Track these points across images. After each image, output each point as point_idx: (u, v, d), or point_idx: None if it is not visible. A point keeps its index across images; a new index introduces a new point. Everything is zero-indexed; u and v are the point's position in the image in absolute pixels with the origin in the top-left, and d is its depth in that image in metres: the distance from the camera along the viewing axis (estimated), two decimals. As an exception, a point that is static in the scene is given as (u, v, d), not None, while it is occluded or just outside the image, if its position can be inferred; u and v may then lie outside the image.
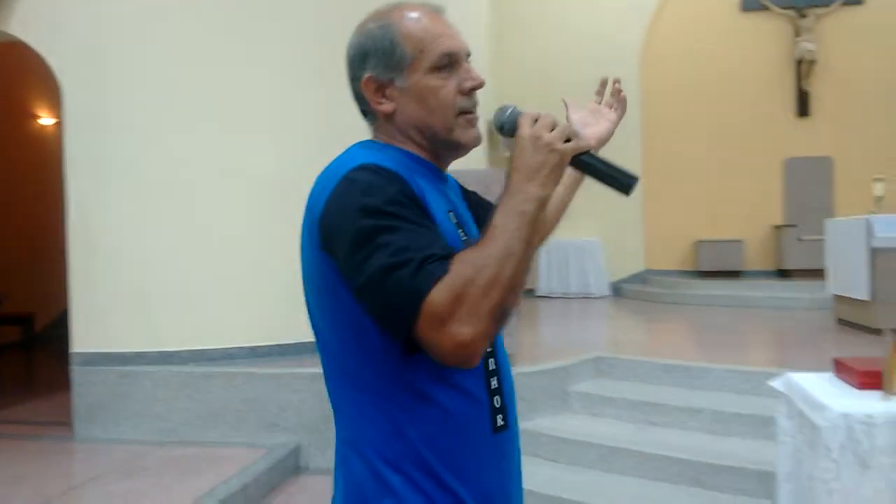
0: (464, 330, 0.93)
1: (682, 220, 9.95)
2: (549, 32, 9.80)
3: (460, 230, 1.19)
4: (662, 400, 4.23)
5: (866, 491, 2.16)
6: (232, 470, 3.94)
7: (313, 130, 5.24)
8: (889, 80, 9.58)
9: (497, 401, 1.17)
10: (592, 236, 9.62)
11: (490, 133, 9.06)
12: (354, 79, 1.20)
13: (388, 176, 1.05)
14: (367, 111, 1.22)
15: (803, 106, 9.89)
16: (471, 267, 0.95)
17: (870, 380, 2.41)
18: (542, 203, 1.02)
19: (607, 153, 1.28)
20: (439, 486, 1.09)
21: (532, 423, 4.25)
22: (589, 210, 9.57)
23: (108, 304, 4.80)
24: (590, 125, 1.57)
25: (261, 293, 5.00)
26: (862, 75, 9.66)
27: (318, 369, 4.11)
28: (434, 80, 1.15)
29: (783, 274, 9.61)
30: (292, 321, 5.06)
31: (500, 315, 0.96)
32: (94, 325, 4.80)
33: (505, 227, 0.98)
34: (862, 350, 4.06)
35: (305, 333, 4.61)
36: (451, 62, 1.16)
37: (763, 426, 3.69)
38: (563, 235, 9.57)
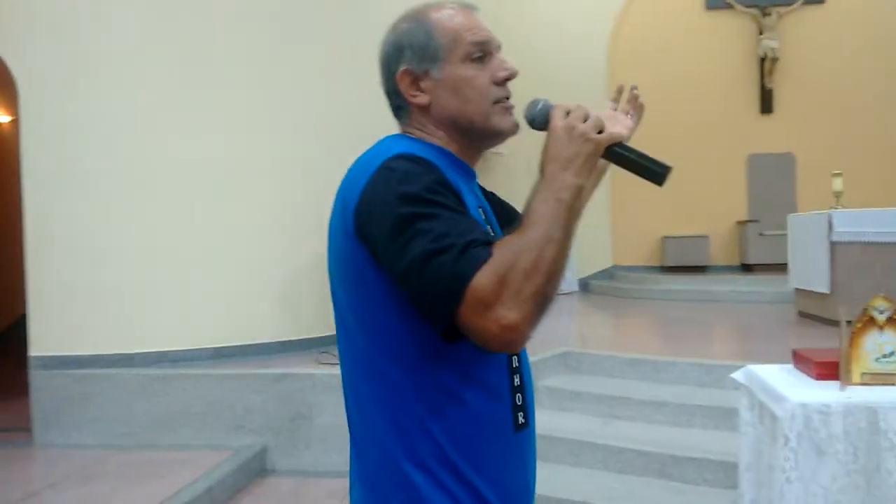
0: (509, 314, 0.93)
1: (648, 216, 10.06)
2: (518, 26, 9.82)
3: (488, 227, 1.20)
4: (628, 394, 4.26)
5: (823, 478, 2.20)
6: (196, 473, 3.88)
7: (273, 128, 5.20)
8: (849, 77, 9.79)
9: (519, 398, 1.17)
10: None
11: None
12: (389, 74, 1.22)
13: (426, 165, 1.06)
14: (400, 106, 1.23)
15: (766, 103, 10.06)
16: (513, 252, 0.95)
17: (827, 371, 2.45)
18: (578, 191, 1.04)
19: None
20: (462, 483, 1.09)
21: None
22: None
23: (66, 306, 4.69)
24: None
25: (223, 294, 4.94)
26: (824, 73, 9.86)
27: (283, 370, 4.05)
28: (468, 70, 1.17)
29: (747, 269, 9.77)
30: (256, 321, 5.05)
31: (543, 300, 0.96)
32: (52, 328, 4.69)
33: (544, 214, 0.99)
34: (821, 342, 4.14)
35: (269, 334, 4.63)
36: (484, 53, 1.18)
37: (726, 418, 3.75)
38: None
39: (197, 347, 4.84)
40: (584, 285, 9.86)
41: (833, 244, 5.51)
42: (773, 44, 9.77)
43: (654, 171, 1.13)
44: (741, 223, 10.01)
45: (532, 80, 10.65)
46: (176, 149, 4.85)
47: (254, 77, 5.11)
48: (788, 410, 2.25)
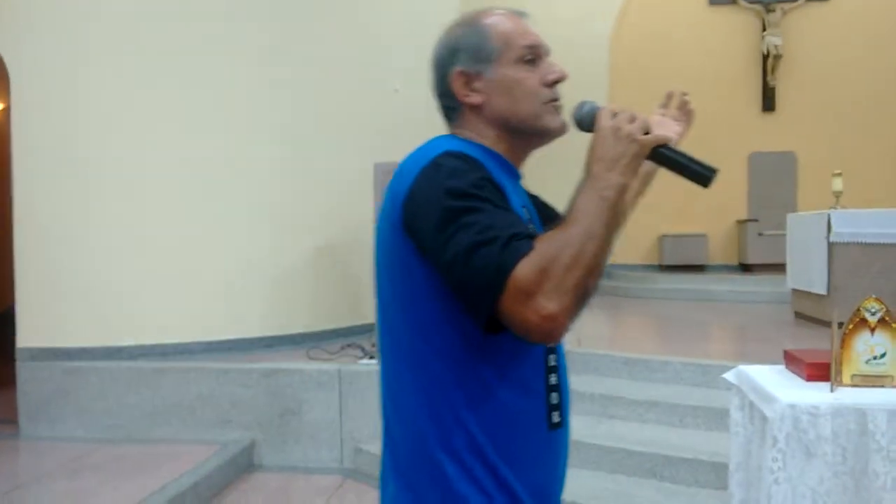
0: (549, 304, 0.95)
1: (646, 214, 10.00)
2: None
3: (530, 225, 1.23)
4: (621, 393, 4.22)
5: (811, 479, 2.17)
6: (183, 467, 3.85)
7: (266, 125, 5.17)
8: (853, 76, 9.73)
9: (554, 397, 1.20)
10: (559, 230, 9.65)
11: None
12: (441, 76, 1.26)
13: (473, 162, 1.11)
14: (451, 107, 1.27)
15: (769, 101, 10.00)
16: (555, 246, 0.98)
17: (818, 372, 2.41)
18: (622, 190, 1.07)
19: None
20: (494, 477, 1.12)
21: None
22: (556, 202, 9.61)
23: (55, 297, 4.67)
24: None
25: (214, 288, 4.92)
26: (827, 71, 9.79)
27: (272, 364, 4.02)
28: (520, 72, 1.22)
29: (745, 268, 9.72)
30: (247, 316, 5.01)
31: (583, 293, 0.99)
32: (40, 319, 4.66)
33: (587, 211, 1.03)
34: (817, 343, 4.10)
35: (260, 328, 4.58)
36: (534, 56, 1.24)
37: (719, 418, 3.70)
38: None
39: (187, 341, 4.81)
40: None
41: (831, 245, 5.46)
42: (777, 41, 9.71)
43: (699, 173, 1.16)
44: (741, 222, 9.95)
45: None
46: (168, 143, 4.82)
47: (249, 75, 5.10)
48: (777, 411, 2.22)
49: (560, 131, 1.25)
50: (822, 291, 5.52)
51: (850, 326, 2.37)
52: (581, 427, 4.01)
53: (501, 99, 1.22)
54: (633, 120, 1.11)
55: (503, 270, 0.96)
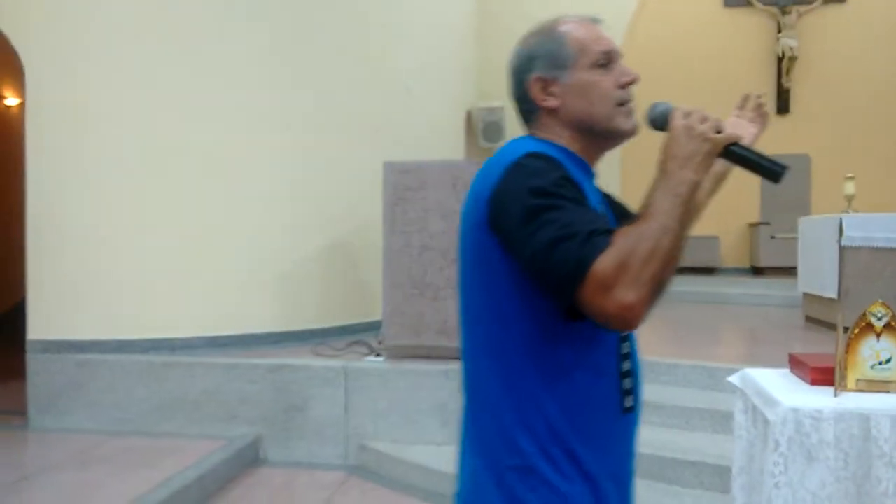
0: (628, 295, 1.01)
1: (658, 215, 9.97)
2: (533, 22, 9.76)
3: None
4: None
5: (812, 484, 2.16)
6: (189, 461, 3.88)
7: (279, 122, 5.20)
8: (868, 78, 9.64)
9: (627, 383, 1.27)
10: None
11: (471, 127, 9.04)
12: (519, 82, 1.34)
13: (553, 162, 1.17)
14: (529, 111, 1.34)
15: (783, 103, 9.93)
16: (632, 240, 1.04)
17: (822, 376, 2.40)
18: (695, 187, 1.12)
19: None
20: (567, 454, 1.19)
21: (496, 416, 4.23)
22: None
23: (65, 291, 4.71)
24: None
25: (223, 284, 4.95)
26: (842, 74, 9.72)
27: (277, 360, 4.04)
28: (595, 76, 1.28)
29: (757, 271, 9.66)
30: (254, 312, 5.04)
31: (659, 285, 1.05)
32: (51, 313, 4.71)
33: (661, 207, 1.08)
34: (826, 347, 4.06)
35: (267, 324, 4.60)
36: (609, 60, 1.30)
37: (725, 421, 3.69)
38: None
39: (195, 336, 4.85)
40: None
41: (842, 249, 5.40)
42: (792, 43, 9.65)
43: (771, 170, 1.21)
44: (753, 225, 9.89)
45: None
46: (179, 138, 4.86)
47: (260, 73, 5.13)
48: (780, 415, 2.21)
49: (632, 132, 1.31)
50: (833, 295, 5.47)
51: (856, 331, 2.35)
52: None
53: (577, 102, 1.28)
54: (705, 120, 1.16)
55: (584, 264, 1.02)
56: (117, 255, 4.73)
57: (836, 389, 2.31)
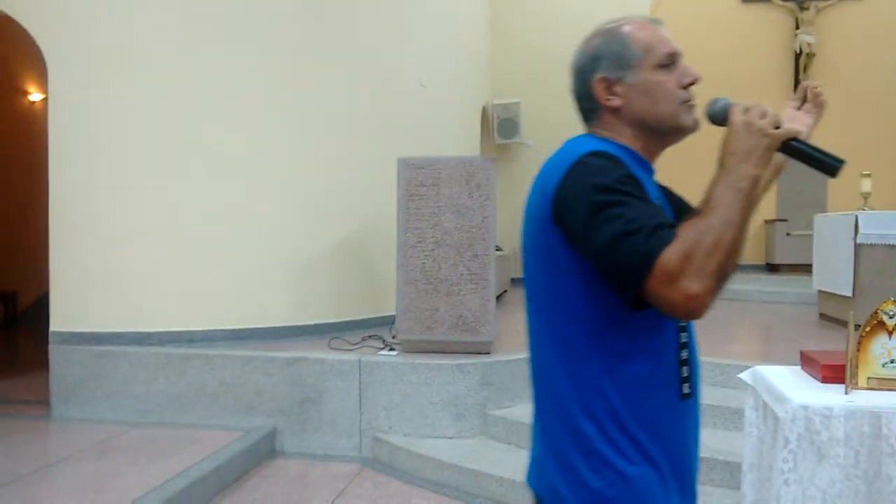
0: (693, 286, 1.06)
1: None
2: (549, 17, 9.73)
3: None
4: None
5: (821, 481, 2.17)
6: (206, 451, 3.94)
7: (300, 118, 5.24)
8: (887, 75, 9.53)
9: (685, 371, 1.32)
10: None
11: (486, 123, 9.04)
12: (584, 82, 1.38)
13: (615, 161, 1.22)
14: (591, 109, 1.39)
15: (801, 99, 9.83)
16: (696, 233, 1.08)
17: (833, 374, 2.41)
18: (756, 181, 1.15)
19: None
20: (630, 439, 1.24)
21: (509, 411, 4.27)
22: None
23: (87, 283, 4.78)
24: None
25: (241, 277, 5.00)
26: (860, 70, 9.62)
27: (293, 353, 4.10)
28: (659, 76, 1.33)
29: (773, 268, 9.60)
30: (271, 305, 5.10)
31: (722, 276, 1.09)
32: (73, 305, 4.79)
33: (723, 201, 1.12)
34: (839, 345, 4.05)
35: (284, 318, 4.66)
36: (672, 61, 1.34)
37: (736, 418, 3.70)
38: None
39: (213, 328, 4.91)
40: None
41: (858, 246, 5.39)
42: (810, 39, 9.57)
43: (828, 164, 1.24)
44: (769, 222, 9.83)
45: (562, 70, 10.57)
46: (199, 134, 4.91)
47: (283, 68, 5.17)
48: (790, 412, 2.22)
49: (693, 128, 1.36)
50: (848, 293, 5.45)
51: (868, 329, 2.36)
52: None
53: (641, 101, 1.33)
54: (764, 115, 1.19)
55: (650, 256, 1.07)
56: (137, 248, 4.79)
57: (846, 387, 2.32)
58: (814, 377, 2.50)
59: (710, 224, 1.09)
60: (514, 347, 4.77)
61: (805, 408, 2.20)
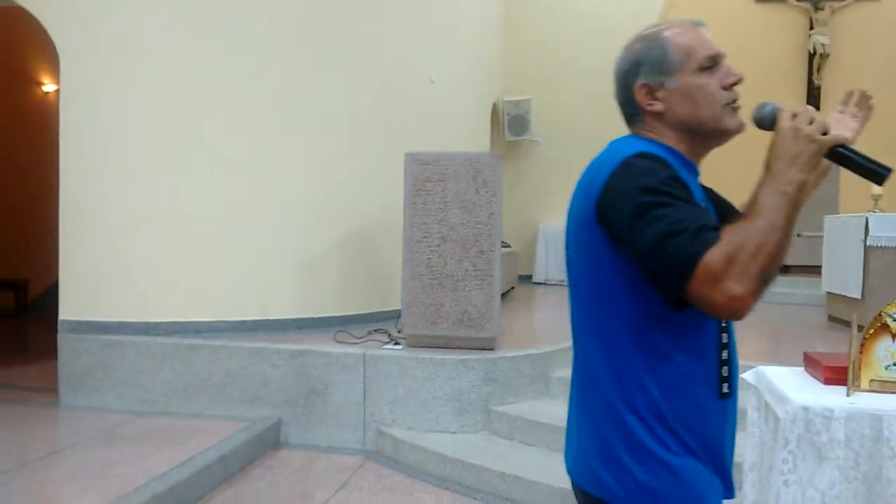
0: (736, 287, 1.08)
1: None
2: (561, 18, 9.72)
3: None
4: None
5: (821, 482, 2.16)
6: (211, 441, 3.98)
7: (307, 114, 5.26)
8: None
9: (725, 370, 1.34)
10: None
11: (496, 119, 9.04)
12: (625, 87, 1.39)
13: (661, 162, 1.23)
14: (633, 113, 1.40)
15: (813, 100, 9.77)
16: (741, 235, 1.10)
17: (835, 375, 2.40)
18: (802, 186, 1.16)
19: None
20: (670, 432, 1.27)
21: (511, 407, 4.28)
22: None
23: (96, 273, 4.83)
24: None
25: (248, 269, 5.03)
26: (875, 71, 9.53)
27: (299, 346, 4.11)
28: (701, 79, 1.33)
29: (783, 269, 9.55)
30: (278, 297, 5.13)
31: (765, 278, 1.11)
32: (81, 294, 4.83)
33: (769, 204, 1.14)
34: (846, 348, 4.03)
35: (291, 310, 4.69)
36: (714, 63, 1.35)
37: (740, 418, 3.68)
38: (563, 222, 9.54)
39: (219, 320, 4.94)
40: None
41: (868, 248, 5.36)
42: (824, 39, 9.49)
43: (875, 172, 1.26)
44: (779, 223, 9.77)
45: (575, 70, 10.49)
46: (208, 128, 4.93)
47: (290, 64, 5.18)
48: (790, 412, 2.22)
49: (738, 130, 1.37)
50: (857, 295, 5.42)
51: (871, 331, 2.35)
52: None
53: (683, 105, 1.34)
54: (811, 121, 1.20)
55: (694, 258, 1.09)
56: (145, 239, 4.83)
57: (848, 389, 2.31)
58: (816, 378, 2.50)
59: (755, 227, 1.11)
60: (518, 344, 4.78)
61: (806, 409, 2.20)
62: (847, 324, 5.71)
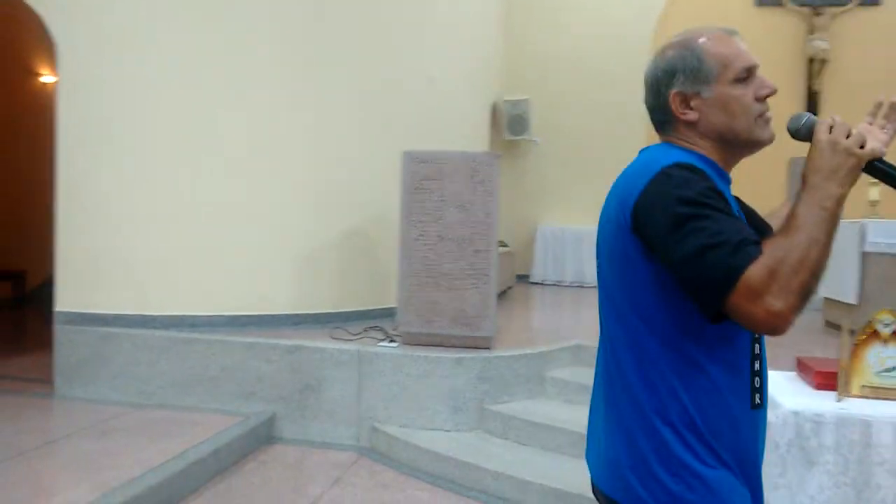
0: (777, 303, 1.07)
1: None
2: (563, 20, 9.72)
3: None
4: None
5: (810, 487, 2.18)
6: (206, 435, 3.99)
7: (308, 110, 5.27)
8: (900, 84, 9.47)
9: (757, 381, 1.34)
10: (591, 224, 9.56)
11: (496, 119, 9.05)
12: (659, 95, 1.38)
13: (699, 173, 1.22)
14: (666, 121, 1.39)
15: (812, 106, 9.78)
16: (782, 250, 1.09)
17: (826, 380, 2.42)
18: (840, 200, 1.16)
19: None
20: (703, 443, 1.26)
21: (506, 406, 4.29)
22: (589, 198, 9.55)
23: (93, 265, 4.83)
24: None
25: (245, 264, 5.04)
26: (873, 77, 9.54)
27: (294, 341, 4.13)
28: (737, 90, 1.33)
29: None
30: (274, 293, 5.14)
31: (807, 293, 1.10)
32: (78, 286, 4.84)
33: (809, 219, 1.13)
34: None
35: (287, 306, 4.70)
36: (749, 75, 1.34)
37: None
38: (561, 223, 9.56)
39: (215, 314, 4.95)
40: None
41: (864, 254, 5.37)
42: (824, 45, 9.49)
43: None
44: (777, 227, 9.80)
45: (576, 73, 10.47)
46: (205, 121, 4.94)
47: (292, 57, 5.19)
48: (780, 417, 2.23)
49: (769, 142, 1.36)
50: (853, 301, 5.44)
51: (863, 337, 2.37)
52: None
53: (717, 115, 1.33)
54: (849, 133, 1.20)
55: (735, 271, 1.08)
56: (143, 232, 4.84)
57: (838, 394, 2.33)
58: (808, 383, 2.51)
59: (796, 242, 1.10)
60: (513, 343, 4.79)
61: (796, 413, 2.21)
62: (842, 329, 5.73)
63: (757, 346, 1.34)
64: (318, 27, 5.34)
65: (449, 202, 4.46)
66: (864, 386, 2.37)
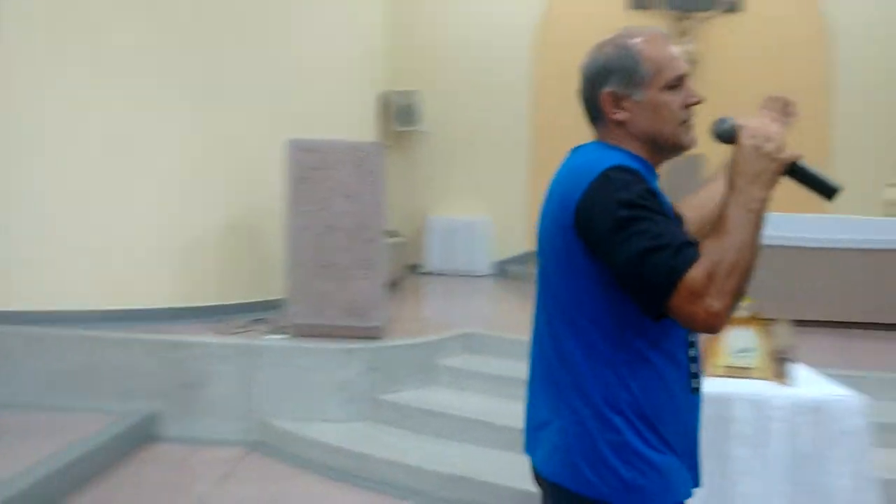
0: (715, 303, 1.14)
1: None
2: (445, 16, 9.79)
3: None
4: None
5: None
6: (80, 435, 3.80)
7: (190, 98, 5.11)
8: (759, 87, 10.22)
9: (693, 367, 1.42)
10: (481, 214, 9.76)
11: (385, 110, 9.04)
12: (592, 90, 1.43)
13: (637, 175, 1.28)
14: (597, 117, 1.44)
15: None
16: (717, 253, 1.16)
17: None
18: (765, 203, 1.22)
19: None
20: (651, 430, 1.32)
21: (398, 395, 4.33)
22: (479, 188, 9.73)
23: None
24: None
25: (119, 256, 4.84)
26: (739, 77, 10.25)
27: (177, 337, 3.99)
28: (667, 97, 1.39)
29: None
30: (153, 286, 4.95)
31: (740, 294, 1.17)
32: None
33: (738, 223, 1.19)
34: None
35: (164, 299, 4.53)
36: (680, 83, 1.40)
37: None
38: (452, 213, 9.68)
39: (90, 309, 4.71)
40: (502, 269, 9.92)
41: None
42: (691, 47, 10.11)
43: (827, 188, 1.31)
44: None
45: (457, 68, 10.61)
46: (76, 104, 4.69)
47: (164, 47, 5.02)
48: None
49: (691, 146, 1.44)
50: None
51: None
52: (489, 407, 4.12)
53: (647, 118, 1.39)
54: (770, 139, 1.25)
55: (677, 273, 1.15)
56: (8, 221, 4.53)
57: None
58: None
59: (729, 244, 1.17)
60: (404, 333, 4.84)
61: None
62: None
63: (692, 334, 1.43)
64: (204, 8, 5.15)
65: (336, 192, 4.43)
66: (722, 366, 2.58)
